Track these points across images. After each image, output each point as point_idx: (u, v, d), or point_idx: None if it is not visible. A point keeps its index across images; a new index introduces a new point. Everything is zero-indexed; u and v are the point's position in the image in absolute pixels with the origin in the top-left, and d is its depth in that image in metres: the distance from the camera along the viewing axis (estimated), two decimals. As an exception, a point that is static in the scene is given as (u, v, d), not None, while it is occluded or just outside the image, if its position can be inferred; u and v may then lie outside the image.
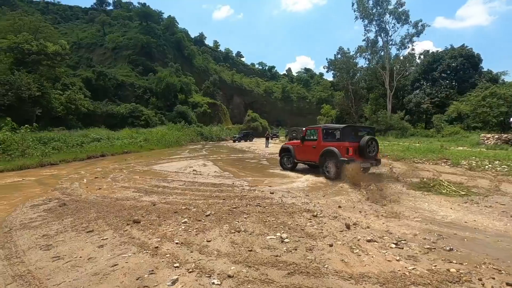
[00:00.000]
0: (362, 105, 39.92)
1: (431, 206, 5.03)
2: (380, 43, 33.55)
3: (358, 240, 3.41)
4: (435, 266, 2.72)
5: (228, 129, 57.94)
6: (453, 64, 32.21)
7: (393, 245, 3.22)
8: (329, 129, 8.44)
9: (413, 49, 33.09)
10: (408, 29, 32.01)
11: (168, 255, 2.97)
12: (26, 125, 14.28)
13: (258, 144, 30.16)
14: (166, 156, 16.36)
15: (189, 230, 3.75)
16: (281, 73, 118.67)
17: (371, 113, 34.94)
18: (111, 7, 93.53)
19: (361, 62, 40.83)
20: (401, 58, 33.97)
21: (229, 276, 2.52)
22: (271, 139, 39.55)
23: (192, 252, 3.07)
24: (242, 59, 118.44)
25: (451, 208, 4.87)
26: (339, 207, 4.97)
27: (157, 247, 3.18)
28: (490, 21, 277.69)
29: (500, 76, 32.18)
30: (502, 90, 24.69)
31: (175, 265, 2.75)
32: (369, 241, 3.35)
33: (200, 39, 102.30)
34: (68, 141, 18.09)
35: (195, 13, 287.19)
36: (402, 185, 6.75)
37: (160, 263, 2.80)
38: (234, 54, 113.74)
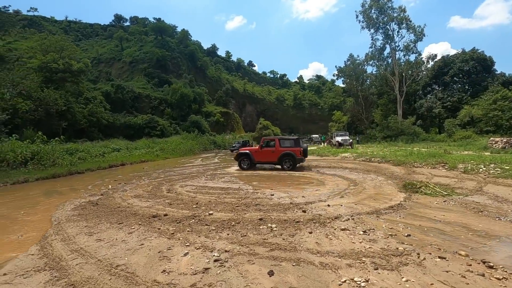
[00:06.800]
0: (372, 111, 40.13)
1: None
2: (388, 49, 33.95)
3: (335, 229, 4.16)
4: (388, 246, 3.44)
5: (240, 137, 59.18)
6: (465, 68, 32.07)
7: (361, 232, 3.95)
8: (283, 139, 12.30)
9: (420, 54, 33.22)
10: (411, 35, 32.24)
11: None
12: (56, 138, 15.81)
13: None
14: (180, 165, 17.47)
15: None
16: (293, 81, 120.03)
17: (381, 118, 35.11)
18: (128, 23, 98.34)
19: (370, 69, 41.08)
20: (409, 63, 34.08)
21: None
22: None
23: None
24: (253, 68, 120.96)
25: (430, 207, 5.50)
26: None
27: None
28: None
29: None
30: (514, 93, 24.51)
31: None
32: (342, 230, 4.10)
33: (212, 50, 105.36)
34: (91, 152, 19.59)
35: (208, 24, 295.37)
36: (394, 187, 7.39)
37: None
38: (246, 64, 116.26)
